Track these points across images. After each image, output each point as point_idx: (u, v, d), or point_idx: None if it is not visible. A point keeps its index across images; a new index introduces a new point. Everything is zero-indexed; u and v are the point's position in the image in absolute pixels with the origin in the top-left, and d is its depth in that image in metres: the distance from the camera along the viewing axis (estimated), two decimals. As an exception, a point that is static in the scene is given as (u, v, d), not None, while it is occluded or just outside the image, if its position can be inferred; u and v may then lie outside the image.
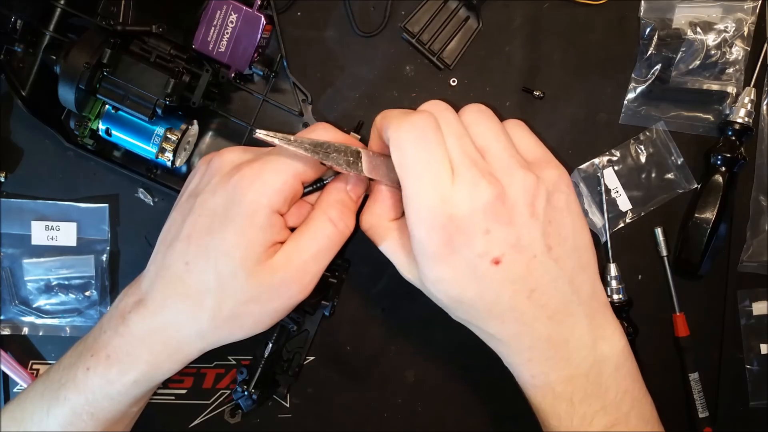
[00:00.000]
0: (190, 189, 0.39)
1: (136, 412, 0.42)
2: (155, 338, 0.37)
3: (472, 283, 0.35)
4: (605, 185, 0.51)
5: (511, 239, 0.34)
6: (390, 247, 0.39)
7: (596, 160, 0.51)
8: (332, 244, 0.37)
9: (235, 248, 0.35)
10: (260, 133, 0.35)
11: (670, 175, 0.51)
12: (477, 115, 0.37)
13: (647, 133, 0.51)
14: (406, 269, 0.38)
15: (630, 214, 0.51)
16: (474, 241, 0.34)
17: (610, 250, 0.50)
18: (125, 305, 0.38)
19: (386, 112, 0.38)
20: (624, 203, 0.51)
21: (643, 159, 0.51)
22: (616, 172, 0.51)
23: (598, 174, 0.51)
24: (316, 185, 0.40)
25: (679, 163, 0.51)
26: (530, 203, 0.35)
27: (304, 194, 0.40)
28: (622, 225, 0.51)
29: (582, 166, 0.51)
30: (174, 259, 0.37)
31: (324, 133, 0.39)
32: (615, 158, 0.51)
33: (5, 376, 0.51)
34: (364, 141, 0.49)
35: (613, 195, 0.51)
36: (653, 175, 0.51)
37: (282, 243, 0.37)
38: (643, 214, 0.51)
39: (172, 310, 0.37)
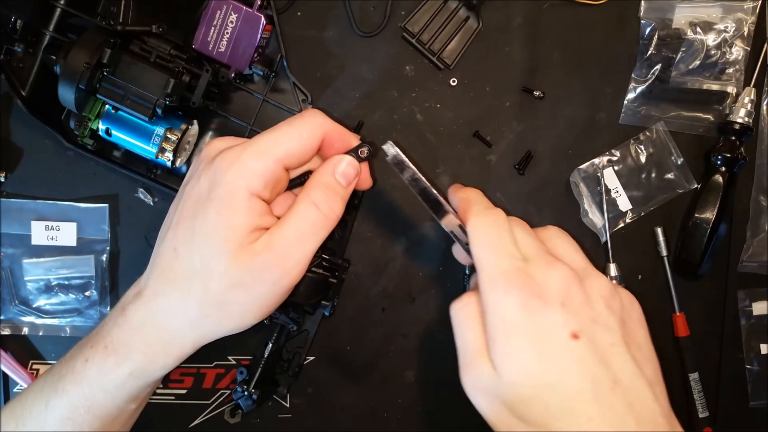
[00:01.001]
0: (183, 181, 0.39)
1: (134, 411, 0.41)
2: (149, 328, 0.37)
3: (551, 358, 0.32)
4: (605, 185, 0.50)
5: (588, 317, 0.33)
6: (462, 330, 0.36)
7: (596, 160, 0.51)
8: (316, 228, 0.36)
9: (216, 230, 0.35)
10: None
11: (670, 175, 0.51)
12: (557, 232, 0.38)
13: (647, 133, 0.51)
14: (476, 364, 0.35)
15: (630, 214, 0.51)
16: (551, 308, 0.32)
17: (610, 250, 0.50)
18: (126, 298, 0.39)
19: (468, 195, 0.39)
20: (624, 203, 0.51)
21: (643, 159, 0.51)
22: (616, 172, 0.51)
23: (598, 174, 0.51)
24: (305, 177, 0.39)
25: (679, 163, 0.51)
26: (605, 297, 0.34)
27: (292, 185, 0.39)
28: (622, 225, 0.51)
29: (582, 166, 0.51)
30: (165, 247, 0.37)
31: (315, 119, 0.38)
32: (615, 158, 0.51)
33: (5, 376, 0.51)
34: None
35: (613, 195, 0.51)
36: (653, 175, 0.51)
37: (266, 228, 0.36)
38: (643, 214, 0.51)
39: (163, 298, 0.37)
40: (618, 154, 0.51)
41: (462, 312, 0.36)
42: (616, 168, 0.51)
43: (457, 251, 0.40)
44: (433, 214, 0.39)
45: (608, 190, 0.51)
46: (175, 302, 0.36)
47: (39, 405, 0.38)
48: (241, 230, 0.35)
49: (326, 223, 0.37)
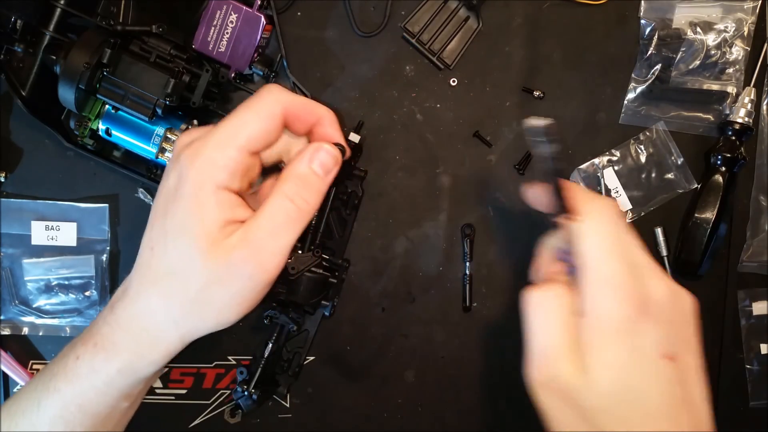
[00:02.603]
0: None
1: (127, 410, 0.41)
2: (136, 325, 0.37)
3: (644, 374, 0.33)
4: (605, 185, 0.50)
5: (682, 338, 0.34)
6: (543, 328, 0.35)
7: (596, 160, 0.51)
8: (290, 221, 0.35)
9: (187, 228, 0.34)
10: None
11: (670, 175, 0.51)
12: None
13: (647, 133, 0.51)
14: (552, 360, 0.34)
15: (630, 214, 0.51)
16: (653, 325, 0.33)
17: (610, 250, 0.50)
18: (115, 296, 0.39)
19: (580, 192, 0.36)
20: (624, 203, 0.51)
21: (643, 159, 0.51)
22: (616, 172, 0.51)
23: (598, 174, 0.51)
24: (275, 168, 0.38)
25: (679, 163, 0.51)
26: (695, 317, 0.35)
27: (263, 174, 0.38)
28: (622, 225, 0.51)
29: (582, 166, 0.51)
30: (143, 246, 0.37)
31: (270, 96, 0.36)
32: (615, 158, 0.51)
33: (5, 376, 0.51)
34: (366, 143, 0.49)
35: (613, 195, 0.51)
36: (653, 175, 0.51)
37: (241, 222, 0.35)
38: (643, 214, 0.51)
39: (145, 298, 0.36)
40: (618, 154, 0.51)
41: (548, 303, 0.35)
42: (616, 168, 0.51)
43: (554, 239, 0.37)
44: (553, 196, 0.35)
45: (608, 190, 0.51)
46: (157, 301, 0.36)
47: (32, 404, 0.38)
48: (212, 226, 0.34)
49: (301, 216, 0.35)
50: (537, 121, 0.34)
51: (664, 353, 0.33)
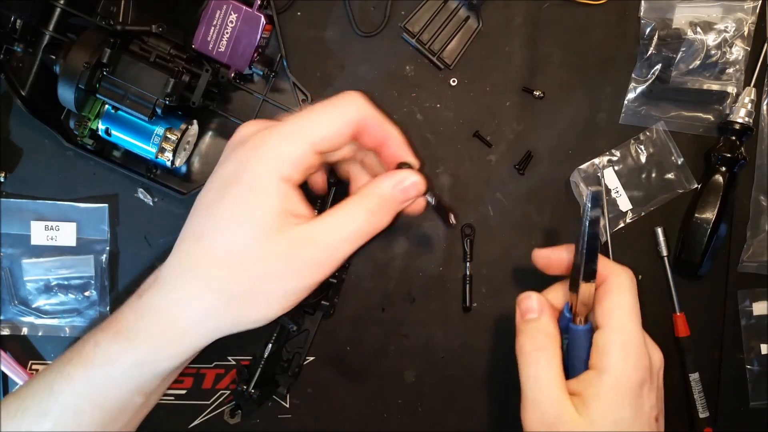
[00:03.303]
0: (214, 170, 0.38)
1: (140, 407, 0.39)
2: (164, 315, 0.36)
3: (639, 427, 0.37)
4: (605, 185, 0.50)
5: (661, 399, 0.40)
6: (543, 372, 0.38)
7: (596, 160, 0.51)
8: (360, 234, 0.35)
9: (246, 215, 0.33)
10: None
11: (670, 175, 0.51)
12: None
13: (647, 133, 0.51)
14: (554, 409, 0.37)
15: (630, 214, 0.51)
16: (653, 393, 0.38)
17: (610, 250, 0.50)
18: (145, 284, 0.37)
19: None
20: (624, 203, 0.51)
21: (643, 159, 0.51)
22: (616, 172, 0.51)
23: (598, 174, 0.51)
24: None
25: (679, 163, 0.51)
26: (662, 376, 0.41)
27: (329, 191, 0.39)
28: (622, 225, 0.51)
29: (582, 166, 0.51)
30: (187, 233, 0.36)
31: (352, 102, 0.37)
32: (615, 158, 0.51)
33: (4, 376, 0.51)
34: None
35: (614, 195, 0.51)
36: (653, 175, 0.51)
37: (298, 217, 0.35)
38: (643, 214, 0.51)
39: (181, 286, 0.35)
40: (618, 154, 0.51)
41: (543, 356, 0.38)
42: (616, 168, 0.51)
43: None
44: (586, 258, 0.38)
45: (608, 190, 0.51)
46: (194, 290, 0.35)
47: (44, 389, 0.37)
48: (272, 215, 0.33)
49: (371, 232, 0.36)
50: (593, 188, 0.36)
51: (655, 415, 0.38)
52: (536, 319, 0.39)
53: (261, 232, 0.33)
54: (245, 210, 0.33)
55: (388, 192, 0.36)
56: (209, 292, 0.35)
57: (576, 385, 0.38)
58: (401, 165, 0.37)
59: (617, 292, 0.38)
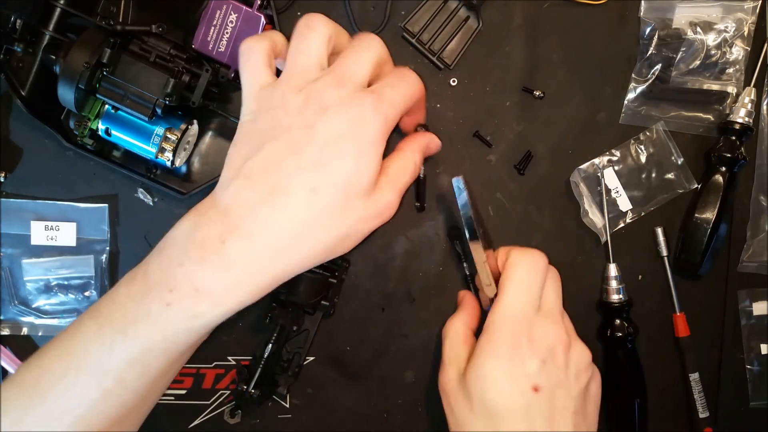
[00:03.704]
0: (285, 121, 0.37)
1: (201, 341, 0.41)
2: (262, 266, 0.36)
3: (509, 396, 0.40)
4: (605, 185, 0.50)
5: (555, 380, 0.40)
6: (452, 343, 0.45)
7: (596, 160, 0.51)
8: (412, 180, 0.41)
9: (366, 172, 0.37)
10: None
11: (670, 175, 0.51)
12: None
13: (647, 133, 0.51)
14: (452, 367, 0.44)
15: (630, 214, 0.51)
16: (531, 361, 0.40)
17: (610, 250, 0.50)
18: (213, 233, 0.36)
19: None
20: (624, 203, 0.51)
21: (643, 159, 0.51)
22: (616, 172, 0.51)
23: (598, 174, 0.51)
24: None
25: (679, 163, 0.51)
26: (580, 369, 0.42)
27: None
28: (622, 225, 0.51)
29: (582, 166, 0.51)
30: (296, 186, 0.36)
31: (420, 83, 0.42)
32: (615, 158, 0.51)
33: (5, 373, 0.51)
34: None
35: (614, 195, 0.51)
36: (653, 175, 0.51)
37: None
38: (643, 214, 0.51)
39: (287, 236, 0.36)
40: (618, 154, 0.51)
41: (452, 327, 0.46)
42: (616, 168, 0.51)
43: (480, 281, 0.44)
44: (469, 242, 0.42)
45: (608, 190, 0.51)
46: (300, 240, 0.37)
47: (100, 349, 0.36)
48: (378, 172, 0.38)
49: (415, 177, 0.42)
50: (458, 179, 0.41)
51: (534, 385, 0.39)
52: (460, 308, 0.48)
53: (371, 183, 0.38)
54: (366, 164, 0.37)
55: (424, 147, 0.44)
56: (316, 239, 0.37)
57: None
58: (418, 127, 0.47)
59: (511, 266, 0.43)
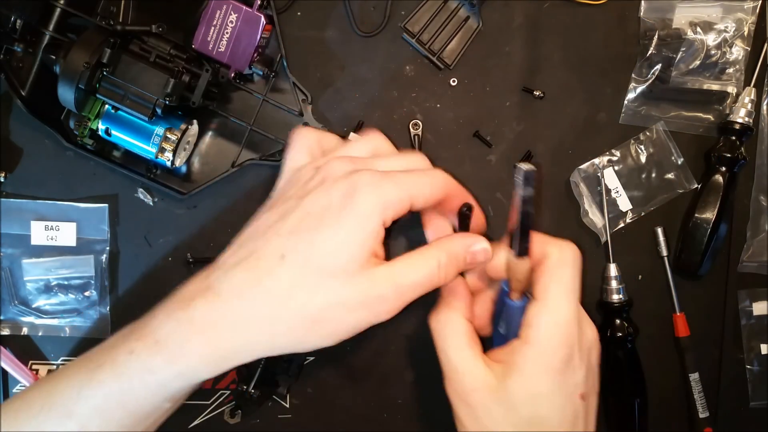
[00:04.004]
0: (291, 192, 0.38)
1: (168, 411, 0.39)
2: (218, 334, 0.35)
3: (562, 407, 0.37)
4: (605, 185, 0.50)
5: (593, 383, 0.39)
6: (457, 345, 0.39)
7: (596, 160, 0.51)
8: (427, 284, 0.37)
9: (343, 247, 0.34)
10: None
11: (670, 175, 0.51)
12: None
13: (647, 133, 0.51)
14: (470, 377, 0.38)
15: (630, 214, 0.51)
16: (581, 371, 0.38)
17: (610, 250, 0.50)
18: (189, 291, 0.36)
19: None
20: (624, 203, 0.51)
21: (643, 159, 0.51)
22: (616, 172, 0.51)
23: (598, 174, 0.51)
24: None
25: (679, 163, 0.51)
26: (599, 357, 0.40)
27: None
28: (622, 225, 0.51)
29: (582, 166, 0.51)
30: (269, 251, 0.35)
31: (444, 175, 0.39)
32: (615, 158, 0.51)
33: (5, 374, 0.51)
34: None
35: (614, 195, 0.51)
36: (653, 175, 0.51)
37: (378, 257, 0.36)
38: (643, 214, 0.51)
39: (250, 304, 0.35)
40: (618, 154, 0.51)
41: (452, 327, 0.40)
42: (616, 168, 0.51)
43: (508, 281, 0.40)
44: (520, 235, 0.37)
45: (608, 190, 0.51)
46: (266, 311, 0.35)
47: (70, 391, 0.36)
48: (365, 254, 0.35)
49: (438, 284, 0.37)
50: (524, 166, 0.36)
51: (581, 393, 0.38)
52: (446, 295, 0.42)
53: (352, 266, 0.34)
54: (348, 245, 0.34)
55: (460, 252, 0.38)
56: (281, 314, 0.35)
57: (501, 353, 0.38)
58: (463, 207, 0.40)
59: (556, 266, 0.38)
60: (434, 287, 0.37)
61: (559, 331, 0.37)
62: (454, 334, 0.40)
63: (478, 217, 0.42)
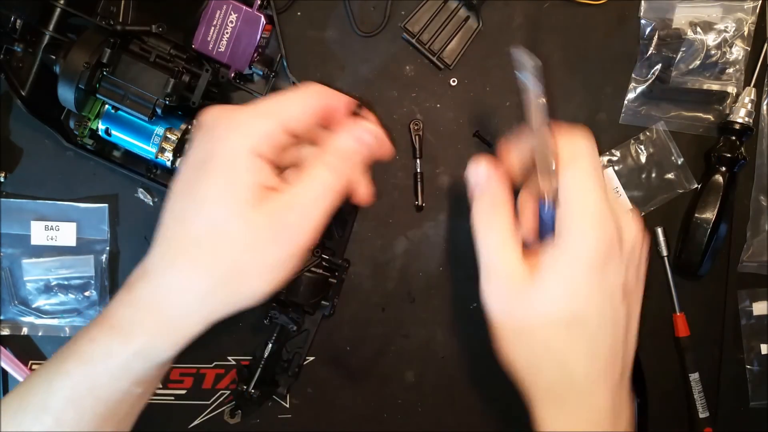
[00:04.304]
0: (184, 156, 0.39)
1: (140, 396, 0.39)
2: (157, 305, 0.36)
3: (602, 310, 0.35)
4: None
5: (640, 287, 0.38)
6: (501, 248, 0.37)
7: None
8: (329, 190, 0.36)
9: (223, 192, 0.34)
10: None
11: (670, 175, 0.51)
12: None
13: (647, 133, 0.51)
14: (511, 283, 0.36)
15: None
16: (622, 268, 0.36)
17: (610, 250, 0.50)
18: (132, 276, 0.37)
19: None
20: (624, 203, 0.51)
21: (643, 159, 0.51)
22: (616, 172, 0.51)
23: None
24: None
25: (679, 163, 0.51)
26: (644, 251, 0.38)
27: None
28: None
29: None
30: (167, 220, 0.36)
31: (314, 87, 0.38)
32: (615, 158, 0.51)
33: (5, 374, 0.51)
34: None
35: (614, 195, 0.51)
36: (653, 175, 0.51)
37: (273, 189, 0.35)
38: (643, 214, 0.51)
39: (170, 273, 0.35)
40: (618, 154, 0.51)
41: (496, 222, 0.38)
42: (616, 168, 0.51)
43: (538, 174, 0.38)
44: (536, 129, 0.36)
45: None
46: (184, 275, 0.35)
47: (43, 386, 0.37)
48: (248, 190, 0.34)
49: (338, 187, 0.36)
50: (525, 58, 0.34)
51: (623, 294, 0.36)
52: (485, 188, 0.39)
53: (240, 206, 0.34)
54: (223, 186, 0.34)
55: (345, 145, 0.37)
56: (197, 276, 0.35)
57: (536, 257, 0.37)
58: (357, 107, 0.38)
59: (569, 163, 0.36)
60: (341, 192, 0.36)
61: (591, 226, 0.35)
62: (497, 230, 0.37)
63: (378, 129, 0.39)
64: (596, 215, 0.35)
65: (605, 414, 0.37)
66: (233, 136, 0.34)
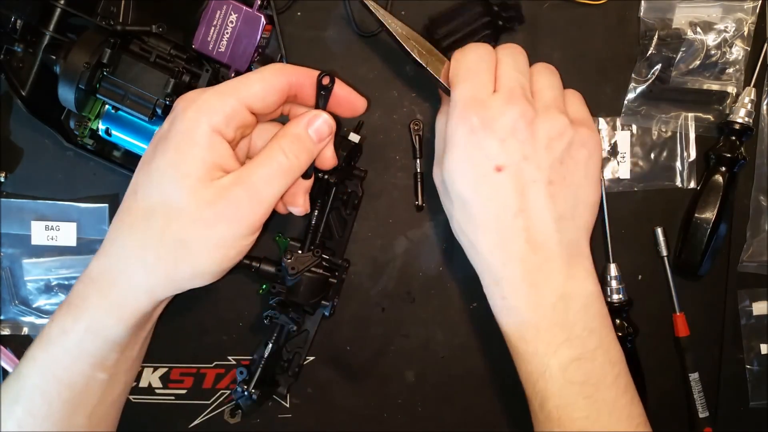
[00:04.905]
0: None
1: (107, 385, 0.38)
2: (106, 279, 0.36)
3: (474, 181, 0.39)
4: (615, 143, 0.50)
5: (519, 156, 0.39)
6: (437, 138, 0.44)
7: (619, 120, 0.51)
8: (281, 172, 0.37)
9: (176, 164, 0.35)
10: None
11: (677, 164, 0.51)
12: (544, 69, 0.43)
13: (674, 119, 0.51)
14: (437, 163, 0.43)
15: (625, 184, 0.51)
16: (489, 142, 0.39)
17: (610, 250, 0.50)
18: (94, 257, 0.38)
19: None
20: (624, 171, 0.51)
21: (662, 138, 0.51)
22: (631, 138, 0.51)
23: (615, 131, 0.51)
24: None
25: (686, 158, 0.51)
26: (551, 138, 0.39)
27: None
28: (614, 191, 0.51)
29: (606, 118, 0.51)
30: (128, 193, 0.37)
31: (277, 65, 0.39)
32: (635, 129, 0.51)
33: (5, 374, 0.51)
34: (366, 143, 0.49)
35: (619, 159, 0.50)
36: (662, 157, 0.51)
37: (229, 171, 0.36)
38: (636, 189, 0.51)
39: (120, 243, 0.36)
40: (644, 126, 0.51)
41: (437, 123, 0.45)
42: (632, 135, 0.51)
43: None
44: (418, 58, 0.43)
45: (615, 153, 0.50)
46: (132, 245, 0.35)
47: (14, 376, 0.38)
48: (202, 165, 0.35)
49: (291, 170, 0.37)
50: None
51: (497, 167, 0.38)
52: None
53: (191, 180, 0.34)
54: (176, 160, 0.35)
55: (300, 132, 0.38)
56: (146, 245, 0.35)
57: None
58: (320, 76, 0.40)
59: (450, 66, 0.42)
60: (293, 176, 0.38)
61: (454, 110, 0.40)
62: (437, 131, 0.45)
63: (348, 94, 0.42)
64: (455, 105, 0.40)
65: (517, 286, 0.39)
66: (192, 114, 0.35)
